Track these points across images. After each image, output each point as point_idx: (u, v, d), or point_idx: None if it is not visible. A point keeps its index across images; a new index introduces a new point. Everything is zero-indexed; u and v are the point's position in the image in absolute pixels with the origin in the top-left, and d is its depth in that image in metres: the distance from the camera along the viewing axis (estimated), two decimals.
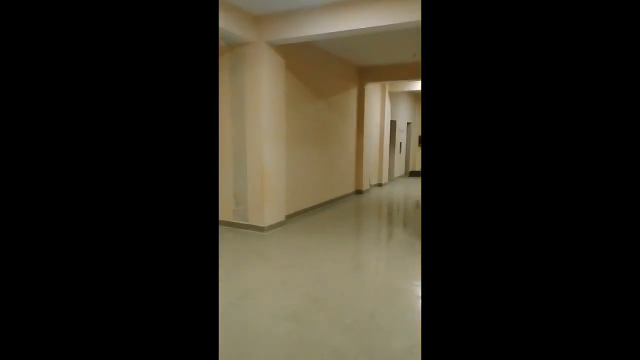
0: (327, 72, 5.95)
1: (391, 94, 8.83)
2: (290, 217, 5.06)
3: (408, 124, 10.79)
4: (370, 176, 7.91)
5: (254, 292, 2.75)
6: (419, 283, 2.91)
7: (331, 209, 5.92)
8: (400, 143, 10.12)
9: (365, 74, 7.16)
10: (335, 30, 3.73)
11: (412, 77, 6.88)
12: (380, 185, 8.57)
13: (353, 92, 7.06)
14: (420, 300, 2.63)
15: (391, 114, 8.97)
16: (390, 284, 2.93)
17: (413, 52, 5.90)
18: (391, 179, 9.60)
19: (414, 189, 8.62)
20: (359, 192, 7.44)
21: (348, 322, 2.30)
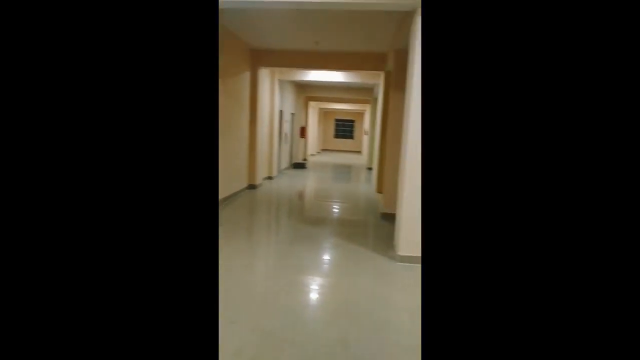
0: (224, 51, 5.15)
1: (279, 82, 8.42)
2: None
3: (292, 114, 10.57)
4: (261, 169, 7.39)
5: None
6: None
7: (230, 208, 5.20)
8: (286, 134, 9.83)
9: (259, 57, 6.55)
10: None
11: (308, 66, 6.62)
12: (270, 178, 8.13)
13: (246, 77, 6.38)
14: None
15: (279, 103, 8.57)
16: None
17: (315, 40, 5.61)
18: (279, 171, 9.26)
19: (304, 181, 8.49)
20: (252, 186, 6.85)
21: None
